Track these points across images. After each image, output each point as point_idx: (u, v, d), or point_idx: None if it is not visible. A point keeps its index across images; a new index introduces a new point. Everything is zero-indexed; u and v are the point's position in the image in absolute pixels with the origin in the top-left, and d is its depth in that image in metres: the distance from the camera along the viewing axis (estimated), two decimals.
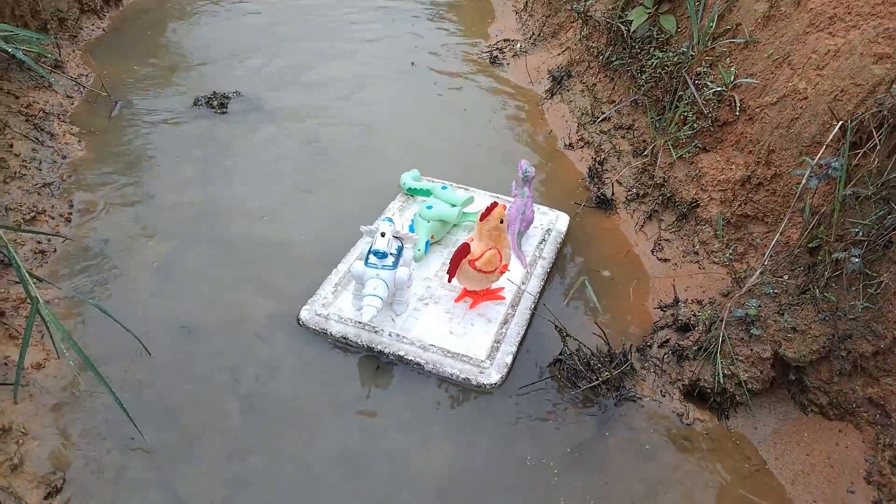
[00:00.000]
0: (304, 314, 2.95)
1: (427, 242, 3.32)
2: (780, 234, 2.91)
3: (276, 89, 4.69)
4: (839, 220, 2.57)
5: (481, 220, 2.81)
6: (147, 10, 5.56)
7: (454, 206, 3.47)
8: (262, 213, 3.55)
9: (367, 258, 2.81)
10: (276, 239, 3.41)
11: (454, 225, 3.52)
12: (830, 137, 2.67)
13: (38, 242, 3.12)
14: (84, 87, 4.33)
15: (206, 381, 2.65)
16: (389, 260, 2.78)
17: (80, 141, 3.90)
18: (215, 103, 4.38)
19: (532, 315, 3.06)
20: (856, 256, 2.32)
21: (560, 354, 2.80)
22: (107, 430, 2.41)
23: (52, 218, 3.29)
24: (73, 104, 4.19)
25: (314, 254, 3.33)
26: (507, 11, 6.18)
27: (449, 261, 2.95)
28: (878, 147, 2.48)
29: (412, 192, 3.73)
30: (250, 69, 4.90)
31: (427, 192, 3.68)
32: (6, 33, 3.43)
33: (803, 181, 2.59)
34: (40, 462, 2.23)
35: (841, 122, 2.64)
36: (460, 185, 3.81)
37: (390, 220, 2.88)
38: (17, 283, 2.75)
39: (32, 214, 3.23)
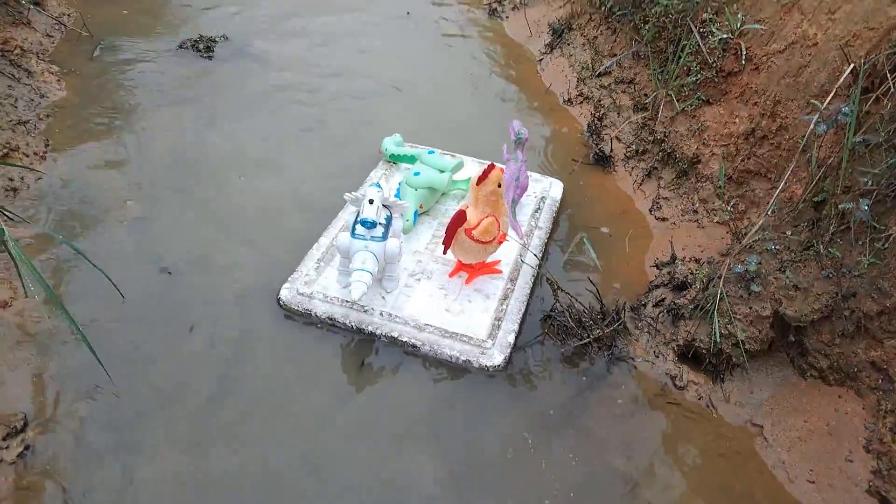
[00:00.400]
0: (285, 294, 2.68)
1: (415, 213, 3.06)
2: (784, 188, 2.77)
3: (264, 36, 4.52)
4: (847, 170, 2.43)
5: (478, 184, 2.55)
6: None
7: (443, 172, 3.21)
8: (243, 164, 3.40)
9: (353, 229, 2.53)
10: (256, 192, 3.24)
11: (443, 193, 3.27)
12: (841, 82, 2.52)
13: (10, 179, 2.98)
14: (65, 26, 4.16)
15: (181, 338, 2.52)
16: (379, 230, 2.52)
17: (59, 80, 3.75)
18: (201, 46, 4.22)
19: (532, 290, 2.85)
20: (864, 206, 2.19)
21: (551, 310, 2.68)
22: (74, 373, 2.30)
23: (27, 156, 3.16)
24: (53, 43, 4.03)
25: (296, 216, 3.14)
26: None
27: (444, 232, 2.70)
28: (893, 91, 2.34)
29: (395, 159, 3.47)
30: (239, 15, 4.73)
31: (412, 159, 3.42)
32: None
33: (811, 127, 2.44)
34: (2, 401, 2.13)
35: (853, 66, 2.48)
36: (446, 152, 3.51)
37: (378, 185, 2.62)
38: None
39: (5, 151, 3.09)
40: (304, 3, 5.04)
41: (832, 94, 2.55)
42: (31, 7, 4.03)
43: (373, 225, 2.50)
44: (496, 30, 5.05)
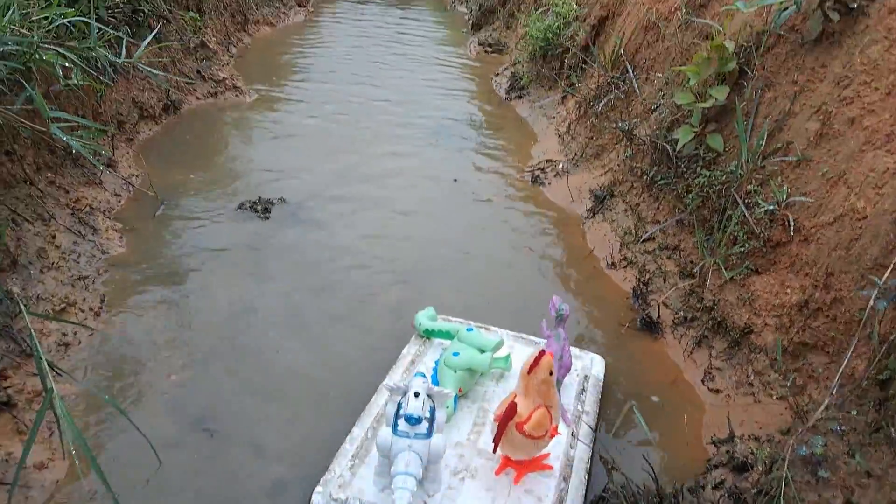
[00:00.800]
0: (318, 499, 2.41)
1: (455, 397, 2.83)
2: (841, 360, 2.67)
3: (320, 199, 4.72)
4: None
5: (529, 372, 2.37)
6: (202, 118, 5.77)
7: (483, 351, 3.01)
8: (283, 333, 3.41)
9: (395, 424, 2.28)
10: (298, 368, 3.20)
11: (481, 374, 3.06)
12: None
13: (64, 335, 3.05)
14: (133, 186, 4.41)
15: None
16: (423, 426, 2.25)
17: (121, 237, 3.92)
18: (259, 208, 4.41)
19: (587, 490, 2.59)
20: None
21: (604, 491, 2.53)
22: None
23: (83, 311, 3.24)
24: (120, 202, 4.26)
25: (336, 395, 3.06)
26: (549, 134, 6.25)
27: (486, 418, 2.49)
28: None
29: (429, 335, 3.28)
30: (297, 179, 4.96)
31: (448, 335, 3.22)
32: (66, 124, 3.53)
33: (870, 303, 2.39)
34: None
35: None
36: (482, 325, 3.39)
37: (422, 374, 2.43)
38: (34, 374, 2.65)
39: (63, 306, 3.19)
40: (356, 168, 5.30)
41: (890, 268, 2.51)
42: (104, 168, 4.30)
43: (418, 421, 2.24)
44: (539, 195, 5.22)
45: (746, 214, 3.39)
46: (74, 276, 3.39)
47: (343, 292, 3.75)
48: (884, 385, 2.48)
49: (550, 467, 2.60)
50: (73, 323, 3.03)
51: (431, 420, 2.31)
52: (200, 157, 5.10)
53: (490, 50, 9.26)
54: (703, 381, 3.30)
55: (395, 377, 2.97)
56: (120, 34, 4.44)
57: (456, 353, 2.93)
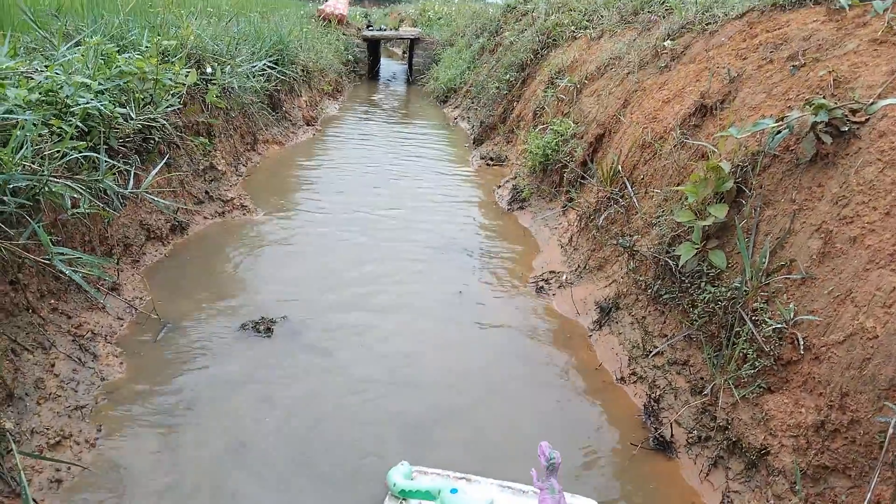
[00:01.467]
0: None
1: None
2: (863, 485, 2.56)
3: (322, 315, 4.70)
4: None
5: None
6: (209, 238, 5.84)
7: None
8: (287, 464, 3.28)
9: None
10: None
11: None
12: None
13: (57, 470, 2.96)
14: (136, 309, 4.41)
15: None
16: None
17: (121, 363, 3.87)
18: (262, 328, 4.38)
19: None
20: None
21: None
22: None
23: (78, 444, 3.16)
24: (122, 325, 4.24)
25: None
26: (552, 244, 6.31)
27: None
28: None
29: (406, 496, 2.96)
30: (301, 297, 4.96)
31: (428, 495, 2.93)
32: (69, 257, 3.56)
33: (889, 431, 2.31)
34: None
35: None
36: (462, 476, 3.11)
37: None
38: None
39: (58, 439, 3.11)
40: (360, 283, 5.31)
41: None
42: (108, 293, 4.31)
43: None
44: (544, 307, 5.19)
45: (754, 332, 3.35)
46: (71, 406, 3.33)
47: (332, 438, 3.55)
48: None
49: None
50: (64, 462, 2.94)
51: None
52: (205, 277, 5.13)
53: (492, 163, 9.50)
54: None
55: None
56: (129, 166, 4.57)
57: None
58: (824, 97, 3.62)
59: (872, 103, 3.40)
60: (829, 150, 3.44)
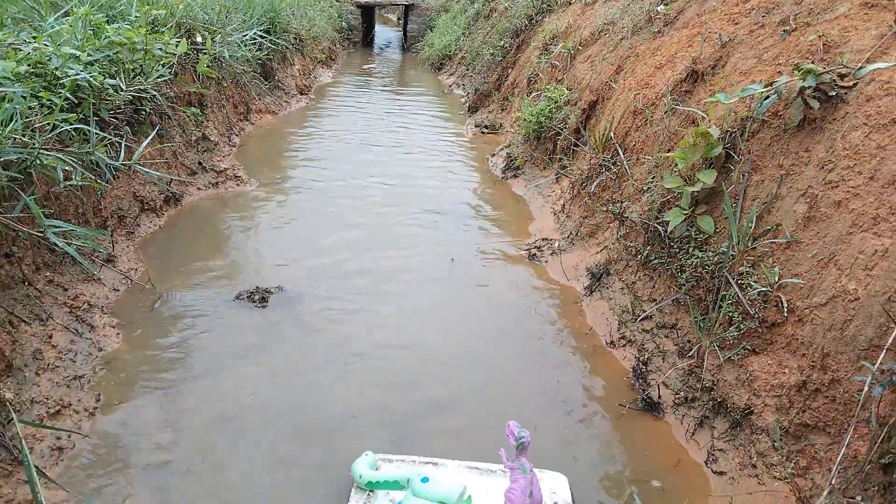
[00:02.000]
0: None
1: None
2: (847, 447, 2.64)
3: (317, 285, 4.74)
4: None
5: None
6: (203, 209, 5.86)
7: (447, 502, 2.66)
8: (285, 429, 3.37)
9: None
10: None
11: None
12: (890, 341, 2.49)
13: (58, 438, 3.03)
14: (131, 280, 4.45)
15: None
16: None
17: (118, 333, 3.93)
18: (257, 297, 4.43)
19: None
20: None
21: None
22: None
23: (77, 412, 3.23)
24: (117, 296, 4.29)
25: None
26: (545, 212, 6.34)
27: None
28: None
29: (373, 487, 2.87)
30: (296, 267, 5.00)
31: (397, 485, 2.85)
32: (62, 230, 3.59)
33: (865, 389, 2.38)
34: None
35: None
36: (429, 460, 3.05)
37: None
38: (25, 482, 2.62)
39: (57, 408, 3.18)
40: (356, 251, 5.35)
41: (884, 350, 2.50)
42: (103, 264, 4.35)
43: None
44: (536, 273, 5.24)
45: (740, 295, 3.40)
46: (70, 376, 3.39)
47: (325, 405, 3.65)
48: (887, 469, 2.44)
49: None
50: (64, 430, 3.01)
51: None
52: (200, 248, 5.16)
53: (486, 131, 9.47)
54: (706, 463, 3.26)
55: None
56: (119, 137, 4.57)
57: None
58: (813, 62, 3.62)
59: (860, 67, 3.41)
60: (816, 114, 3.46)
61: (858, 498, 2.42)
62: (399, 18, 25.57)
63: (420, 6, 18.93)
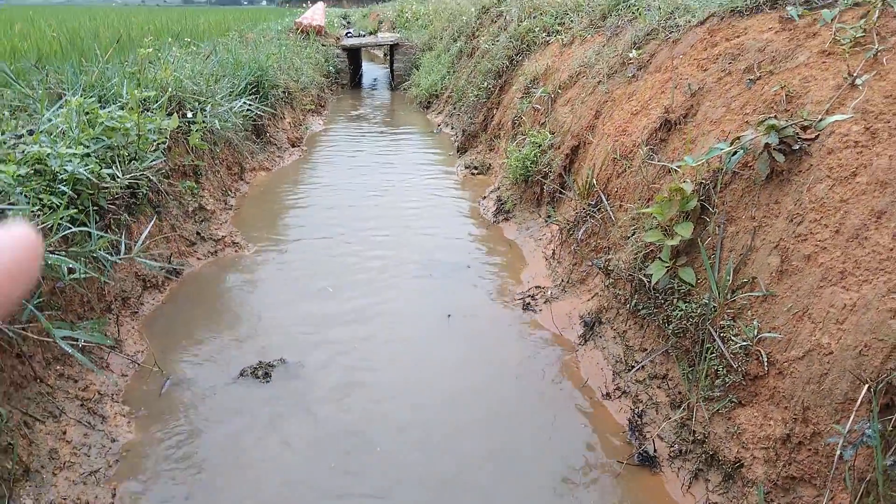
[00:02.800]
0: None
1: None
2: (831, 500, 2.75)
3: (318, 354, 4.87)
4: (887, 492, 2.44)
5: None
6: (203, 280, 6.01)
7: None
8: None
9: None
10: None
11: None
12: (859, 401, 2.62)
13: None
14: (138, 364, 4.59)
15: None
16: None
17: (129, 423, 4.05)
18: (260, 373, 4.56)
19: None
20: None
21: None
22: None
23: None
24: (126, 381, 4.42)
25: None
26: (537, 257, 6.49)
27: None
28: None
29: None
30: (293, 335, 5.14)
31: None
32: (69, 333, 3.73)
33: (837, 452, 2.50)
34: None
35: (868, 386, 2.60)
36: None
37: None
38: None
39: None
40: (353, 312, 5.50)
41: (854, 410, 2.63)
42: (110, 351, 4.50)
43: None
44: (530, 323, 5.37)
45: (723, 348, 3.53)
46: (86, 471, 3.51)
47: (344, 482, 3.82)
48: None
49: None
50: None
51: None
52: (202, 321, 5.30)
53: (476, 172, 9.66)
54: None
55: None
56: (118, 227, 4.75)
57: None
58: (776, 115, 3.79)
59: (821, 120, 3.57)
60: (783, 167, 3.61)
61: None
62: (385, 54, 25.95)
63: (404, 45, 19.25)
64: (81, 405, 3.92)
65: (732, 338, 3.50)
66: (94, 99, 5.73)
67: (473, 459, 3.87)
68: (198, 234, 6.41)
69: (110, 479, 3.57)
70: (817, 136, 3.57)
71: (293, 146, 10.87)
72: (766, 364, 3.31)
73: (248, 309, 5.56)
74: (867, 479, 2.57)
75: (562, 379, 4.62)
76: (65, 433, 3.65)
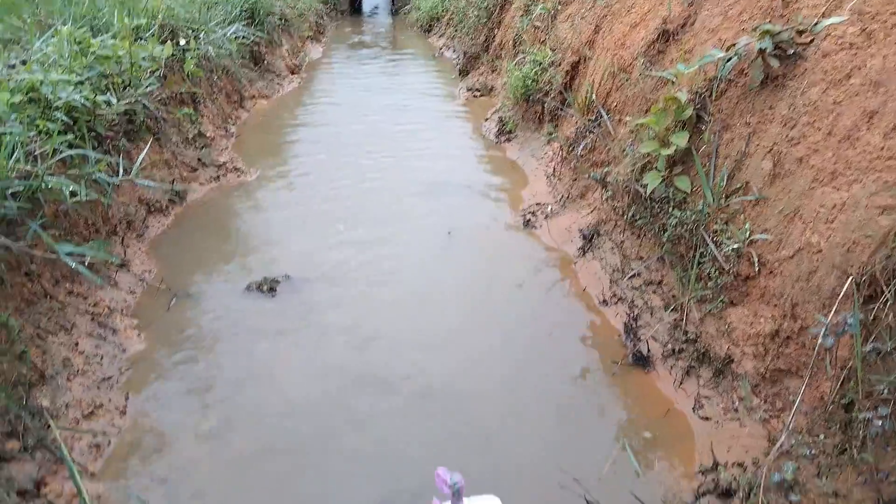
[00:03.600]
0: None
1: None
2: (814, 389, 2.86)
3: (321, 271, 4.98)
4: (864, 377, 2.53)
5: None
6: (207, 204, 6.08)
7: None
8: (297, 411, 3.62)
9: None
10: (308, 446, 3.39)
11: None
12: (843, 292, 2.69)
13: (94, 437, 3.30)
14: (146, 282, 4.71)
15: None
16: None
17: (139, 335, 4.19)
18: (265, 288, 4.67)
19: None
20: (879, 418, 2.27)
21: None
22: None
23: (109, 412, 3.50)
24: (135, 298, 4.54)
25: None
26: (538, 175, 6.51)
27: None
28: (890, 301, 2.49)
29: None
30: (301, 253, 5.23)
31: None
32: (74, 251, 3.81)
33: (819, 340, 2.59)
34: None
35: (851, 278, 2.66)
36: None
37: None
38: (69, 478, 2.89)
39: (91, 409, 3.44)
40: (355, 228, 5.58)
41: (834, 308, 2.71)
42: (118, 269, 4.61)
43: None
44: (531, 239, 5.45)
45: (715, 252, 3.60)
46: (99, 378, 3.66)
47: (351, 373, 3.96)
48: (847, 408, 2.66)
49: None
50: (88, 432, 3.28)
51: None
52: (207, 243, 5.39)
53: (478, 94, 9.57)
54: (693, 410, 3.49)
55: None
56: (116, 151, 4.79)
57: None
58: (771, 21, 3.74)
59: (816, 23, 3.53)
60: (778, 72, 3.59)
61: (822, 436, 2.65)
62: None
63: None
64: (92, 319, 4.05)
65: (725, 241, 3.56)
66: (85, 28, 5.66)
67: (472, 362, 4.01)
68: (199, 160, 6.44)
69: (123, 386, 3.72)
70: (812, 41, 3.54)
71: (292, 73, 10.75)
72: (757, 265, 3.38)
73: (251, 231, 5.65)
74: (848, 366, 2.66)
75: (561, 288, 4.72)
76: (77, 344, 3.79)
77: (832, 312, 2.68)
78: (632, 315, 4.18)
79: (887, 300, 2.51)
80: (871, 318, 2.61)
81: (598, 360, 3.98)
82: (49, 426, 3.14)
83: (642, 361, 3.89)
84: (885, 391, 2.39)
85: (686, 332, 3.77)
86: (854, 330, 2.52)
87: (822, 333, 2.60)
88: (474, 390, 3.78)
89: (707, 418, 3.41)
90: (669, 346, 3.85)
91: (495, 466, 3.24)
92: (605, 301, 4.50)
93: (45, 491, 2.94)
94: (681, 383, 3.67)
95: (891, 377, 2.39)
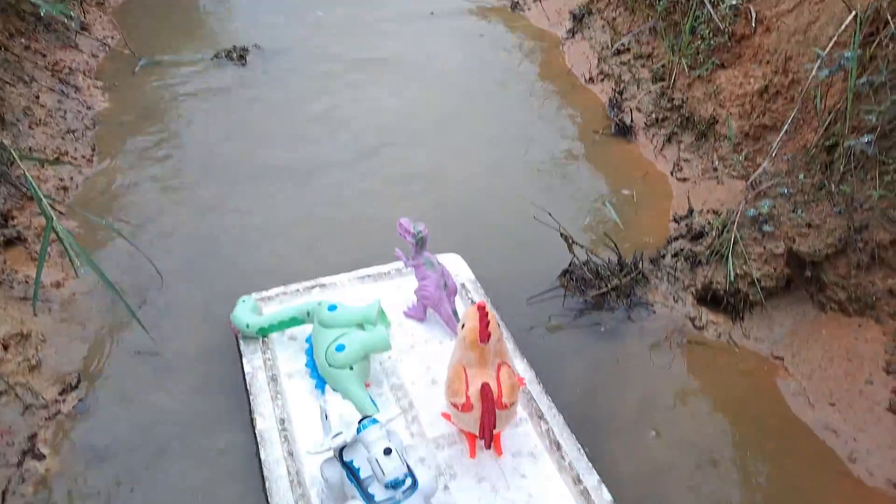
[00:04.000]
0: None
1: (371, 399, 2.18)
2: (795, 135, 2.84)
3: (292, 41, 4.75)
4: (854, 112, 2.48)
5: (482, 340, 1.90)
6: None
7: (364, 326, 2.29)
8: (269, 169, 3.51)
9: (367, 495, 1.72)
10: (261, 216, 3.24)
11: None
12: (843, 27, 2.57)
13: (61, 179, 3.22)
14: (109, 46, 4.45)
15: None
16: (408, 481, 1.73)
17: (104, 93, 4.02)
18: (235, 55, 4.45)
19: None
20: (866, 140, 2.24)
21: (569, 265, 2.77)
22: (119, 337, 2.53)
23: (75, 159, 3.40)
24: (97, 61, 4.32)
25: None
26: None
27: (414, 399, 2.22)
28: (894, 31, 2.38)
29: (265, 332, 2.42)
30: (271, 24, 4.96)
31: (295, 321, 2.40)
32: None
33: (813, 73, 2.51)
34: (57, 363, 2.34)
35: (854, 13, 2.54)
36: (315, 283, 2.68)
37: (375, 420, 1.81)
38: (39, 214, 2.83)
39: (56, 156, 3.33)
40: (334, 9, 5.27)
41: (833, 40, 2.60)
42: (78, 31, 4.33)
43: (400, 482, 1.71)
44: (519, 21, 5.19)
45: (711, 11, 3.42)
46: (63, 129, 3.52)
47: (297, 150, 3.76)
48: (830, 150, 2.64)
49: (523, 383, 2.21)
50: (67, 164, 3.21)
51: (407, 464, 1.77)
52: (175, 15, 5.08)
53: None
54: (671, 173, 3.48)
55: (265, 416, 2.17)
56: None
57: (341, 347, 2.19)
58: None
59: None
60: None
61: (801, 177, 2.64)
62: None
63: None
64: (52, 75, 3.85)
65: (722, 1, 3.38)
66: None
67: (457, 149, 3.81)
68: None
69: (89, 140, 3.59)
70: None
71: None
72: (754, 21, 3.22)
73: (221, 5, 5.31)
74: (836, 108, 2.61)
75: (548, 68, 4.55)
76: (38, 97, 3.61)
77: (830, 46, 2.57)
78: (617, 90, 4.07)
79: (891, 32, 2.40)
80: (869, 56, 2.52)
81: (583, 134, 3.90)
82: (13, 162, 3.03)
83: (624, 132, 3.82)
84: (874, 119, 2.34)
85: (672, 100, 3.68)
86: (851, 64, 2.42)
87: (816, 67, 2.51)
88: (459, 174, 3.58)
89: (685, 179, 3.41)
90: (653, 115, 3.77)
91: (477, 228, 3.18)
92: (591, 79, 4.37)
93: (12, 223, 2.87)
94: (661, 149, 3.63)
95: (881, 107, 2.33)
